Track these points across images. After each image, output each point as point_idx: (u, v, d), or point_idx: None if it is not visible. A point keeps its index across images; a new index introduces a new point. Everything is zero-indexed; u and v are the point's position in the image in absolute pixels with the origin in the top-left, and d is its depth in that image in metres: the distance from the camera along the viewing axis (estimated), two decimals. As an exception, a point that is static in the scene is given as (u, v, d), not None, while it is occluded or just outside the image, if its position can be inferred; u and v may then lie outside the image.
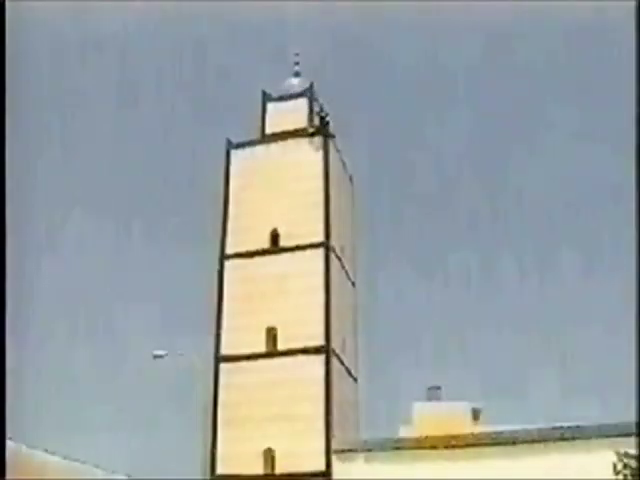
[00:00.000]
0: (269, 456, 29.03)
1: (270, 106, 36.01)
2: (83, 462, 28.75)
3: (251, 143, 34.84)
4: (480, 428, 38.02)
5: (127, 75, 71.00)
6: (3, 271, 15.58)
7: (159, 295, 66.65)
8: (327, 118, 34.20)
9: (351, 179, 36.91)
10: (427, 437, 30.09)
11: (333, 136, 34.17)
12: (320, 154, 33.26)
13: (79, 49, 67.07)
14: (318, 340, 29.98)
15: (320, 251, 31.54)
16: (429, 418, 42.79)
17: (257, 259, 32.22)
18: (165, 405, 49.48)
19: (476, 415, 45.50)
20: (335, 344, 30.56)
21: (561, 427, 26.82)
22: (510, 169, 74.10)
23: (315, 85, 36.00)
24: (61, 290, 60.85)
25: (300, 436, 28.53)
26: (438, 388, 48.80)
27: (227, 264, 32.49)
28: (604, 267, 64.62)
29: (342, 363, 31.46)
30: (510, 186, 73.86)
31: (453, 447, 27.21)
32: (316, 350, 29.84)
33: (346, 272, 34.05)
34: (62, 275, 62.01)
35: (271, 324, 30.87)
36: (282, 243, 32.29)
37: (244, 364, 30.48)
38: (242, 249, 32.50)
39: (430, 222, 74.38)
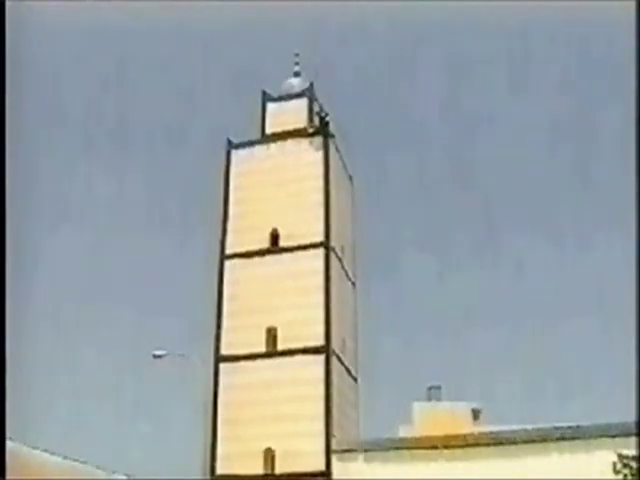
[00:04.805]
0: (269, 456, 29.02)
1: (270, 106, 35.97)
2: (83, 462, 28.72)
3: (251, 143, 34.80)
4: (480, 428, 38.06)
5: (127, 75, 71.11)
6: (3, 271, 15.56)
7: (159, 295, 66.77)
8: (327, 118, 34.15)
9: (351, 179, 36.89)
10: (427, 437, 30.10)
11: (333, 136, 34.14)
12: (320, 154, 33.23)
13: (78, 49, 67.15)
14: (318, 340, 29.96)
15: (320, 251, 31.51)
16: (429, 418, 42.90)
17: (257, 259, 32.20)
18: (165, 405, 49.54)
19: (476, 415, 45.57)
20: (335, 344, 30.54)
21: (561, 427, 26.80)
22: (517, 168, 74.17)
23: (315, 85, 35.99)
24: (61, 290, 60.92)
25: (300, 436, 28.50)
26: (438, 388, 48.87)
27: (227, 264, 32.46)
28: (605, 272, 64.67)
29: (342, 363, 31.45)
30: (512, 183, 73.94)
31: (453, 447, 27.19)
32: (316, 350, 29.82)
33: (346, 272, 34.03)
34: (62, 276, 62.08)
35: (271, 324, 30.85)
36: (282, 243, 32.26)
37: (244, 364, 30.47)
38: (242, 249, 32.48)
39: (429, 222, 74.44)
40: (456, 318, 65.57)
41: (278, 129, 34.71)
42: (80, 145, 70.46)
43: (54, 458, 27.28)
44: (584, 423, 26.65)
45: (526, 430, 27.31)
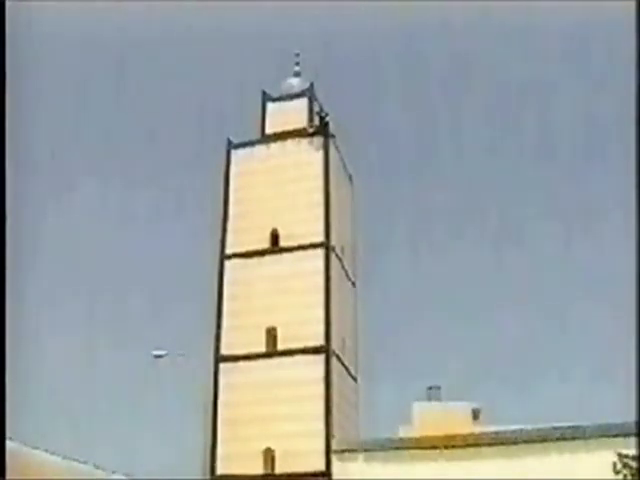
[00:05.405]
0: (269, 456, 29.03)
1: (270, 106, 36.00)
2: (83, 462, 28.73)
3: (251, 143, 34.82)
4: (480, 428, 38.00)
5: (127, 75, 71.06)
6: (3, 273, 15.54)
7: (159, 295, 66.71)
8: (327, 118, 34.18)
9: (351, 179, 36.90)
10: (427, 437, 30.08)
11: (333, 136, 34.16)
12: (320, 154, 33.26)
13: (78, 49, 67.08)
14: (318, 340, 29.97)
15: (320, 251, 31.53)
16: (429, 418, 42.80)
17: (257, 259, 32.22)
18: (165, 405, 49.50)
19: (476, 415, 45.50)
20: (335, 344, 30.55)
21: (561, 427, 26.80)
22: (516, 166, 74.17)
23: (315, 85, 36.02)
24: (61, 290, 60.92)
25: (300, 436, 28.50)
26: (438, 388, 48.81)
27: (227, 264, 32.48)
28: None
29: (342, 363, 31.46)
30: (512, 180, 73.95)
31: (453, 447, 27.19)
32: (316, 350, 29.84)
33: (346, 272, 34.04)
34: (61, 275, 62.08)
35: (271, 324, 30.86)
36: (282, 243, 32.28)
37: (244, 364, 30.47)
38: (242, 249, 32.50)
39: (430, 222, 74.41)
40: (456, 318, 65.59)
41: (278, 129, 34.73)
42: (79, 144, 70.42)
43: (54, 458, 27.26)
44: (584, 423, 26.65)
45: (526, 430, 27.31)
